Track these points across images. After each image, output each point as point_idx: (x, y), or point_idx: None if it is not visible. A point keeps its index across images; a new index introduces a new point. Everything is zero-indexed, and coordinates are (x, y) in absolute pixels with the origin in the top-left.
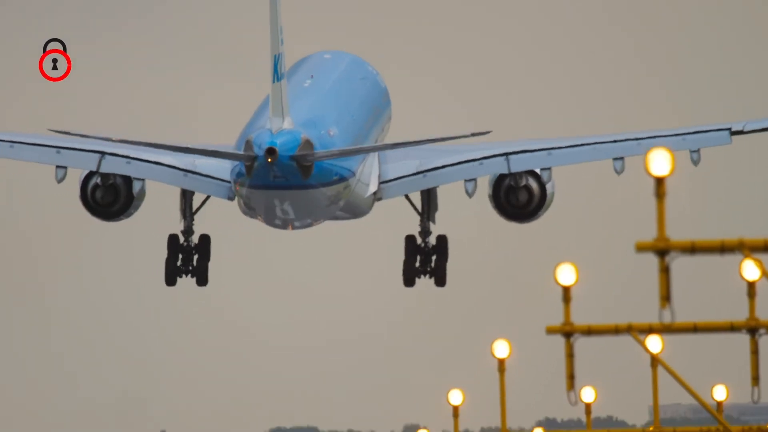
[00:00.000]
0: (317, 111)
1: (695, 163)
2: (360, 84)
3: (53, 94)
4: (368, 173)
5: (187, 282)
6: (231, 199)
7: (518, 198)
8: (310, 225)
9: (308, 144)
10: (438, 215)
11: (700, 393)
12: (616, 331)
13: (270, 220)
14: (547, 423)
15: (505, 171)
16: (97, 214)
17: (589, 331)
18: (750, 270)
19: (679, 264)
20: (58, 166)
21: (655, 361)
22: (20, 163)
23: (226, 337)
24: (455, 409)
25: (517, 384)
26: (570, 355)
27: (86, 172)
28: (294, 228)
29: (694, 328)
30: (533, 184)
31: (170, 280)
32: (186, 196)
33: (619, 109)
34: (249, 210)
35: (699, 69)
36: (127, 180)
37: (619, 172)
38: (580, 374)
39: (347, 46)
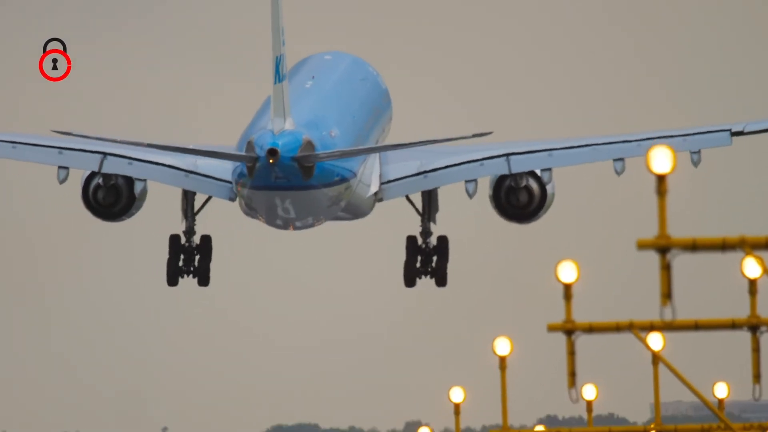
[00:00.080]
0: (318, 112)
1: (695, 164)
2: (360, 85)
3: (53, 94)
4: (369, 174)
5: (188, 282)
6: (232, 199)
7: (518, 199)
8: (311, 225)
9: (310, 145)
10: (439, 216)
11: (701, 390)
12: (618, 328)
13: (271, 221)
14: (549, 420)
15: (506, 172)
16: (98, 214)
17: (591, 329)
18: (751, 267)
19: (680, 261)
20: (60, 167)
21: (656, 358)
22: (22, 163)
23: (228, 336)
24: (456, 407)
25: (518, 381)
26: (571, 353)
27: (88, 172)
28: (295, 228)
29: (696, 326)
30: (533, 184)
31: (172, 281)
32: (187, 196)
33: (619, 110)
34: (250, 210)
35: (699, 69)
36: (129, 180)
37: (619, 173)
38: (581, 372)
39: (347, 47)
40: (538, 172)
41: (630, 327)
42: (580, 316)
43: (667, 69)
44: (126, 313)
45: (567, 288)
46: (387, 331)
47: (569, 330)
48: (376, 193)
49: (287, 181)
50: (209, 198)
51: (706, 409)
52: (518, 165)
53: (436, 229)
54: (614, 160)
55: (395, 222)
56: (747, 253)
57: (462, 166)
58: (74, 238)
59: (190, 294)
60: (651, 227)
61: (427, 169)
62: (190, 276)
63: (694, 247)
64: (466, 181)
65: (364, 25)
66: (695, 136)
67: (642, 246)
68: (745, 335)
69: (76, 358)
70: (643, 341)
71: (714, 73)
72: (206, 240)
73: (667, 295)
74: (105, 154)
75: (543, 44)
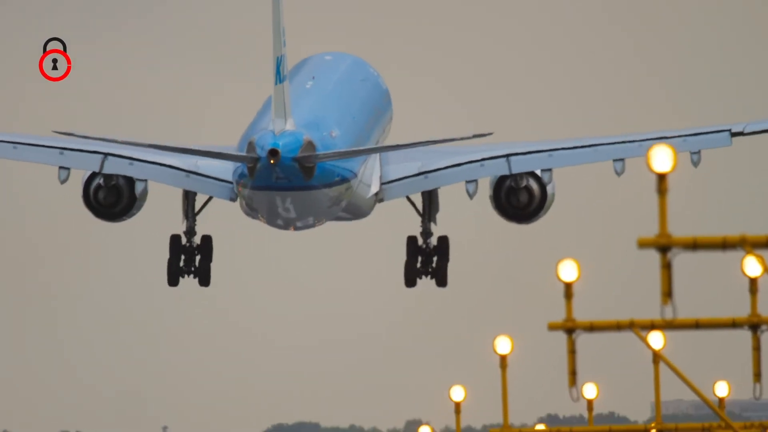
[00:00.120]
0: (319, 112)
1: (695, 164)
2: (361, 85)
3: (53, 94)
4: (370, 174)
5: (189, 282)
6: (233, 200)
7: (519, 199)
8: (312, 226)
9: (310, 145)
10: (439, 216)
11: (701, 389)
12: (618, 327)
13: (272, 221)
14: (549, 419)
15: (506, 172)
16: (99, 214)
17: (591, 328)
18: (752, 266)
19: (680, 260)
20: (61, 167)
21: (656, 357)
22: (23, 163)
23: (229, 336)
24: (457, 406)
25: (519, 380)
26: (572, 352)
27: (89, 173)
28: (296, 229)
29: (696, 325)
30: (534, 185)
31: (173, 281)
32: (188, 196)
33: (619, 110)
34: (251, 211)
35: (699, 69)
36: (130, 181)
37: (619, 173)
38: (581, 370)
39: (348, 47)
40: (538, 172)
41: (631, 326)
42: (581, 315)
43: (667, 69)
44: (126, 313)
45: (568, 287)
46: (387, 331)
47: (570, 329)
48: (376, 194)
49: (288, 182)
50: (210, 198)
51: (707, 408)
52: (518, 165)
53: (437, 230)
54: (614, 160)
55: (396, 222)
56: (747, 252)
57: (462, 167)
58: (75, 239)
59: (190, 294)
60: (651, 226)
61: (428, 169)
62: (191, 276)
63: (694, 246)
64: (467, 182)
65: (364, 25)
66: (695, 136)
67: (643, 245)
68: (745, 334)
69: (76, 357)
70: (644, 340)
71: (714, 73)
72: (207, 240)
73: (667, 293)
74: (106, 154)
75: (543, 44)
